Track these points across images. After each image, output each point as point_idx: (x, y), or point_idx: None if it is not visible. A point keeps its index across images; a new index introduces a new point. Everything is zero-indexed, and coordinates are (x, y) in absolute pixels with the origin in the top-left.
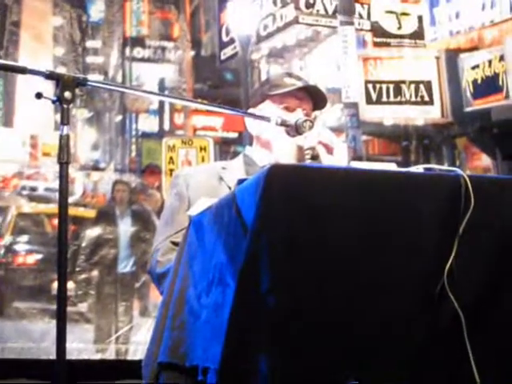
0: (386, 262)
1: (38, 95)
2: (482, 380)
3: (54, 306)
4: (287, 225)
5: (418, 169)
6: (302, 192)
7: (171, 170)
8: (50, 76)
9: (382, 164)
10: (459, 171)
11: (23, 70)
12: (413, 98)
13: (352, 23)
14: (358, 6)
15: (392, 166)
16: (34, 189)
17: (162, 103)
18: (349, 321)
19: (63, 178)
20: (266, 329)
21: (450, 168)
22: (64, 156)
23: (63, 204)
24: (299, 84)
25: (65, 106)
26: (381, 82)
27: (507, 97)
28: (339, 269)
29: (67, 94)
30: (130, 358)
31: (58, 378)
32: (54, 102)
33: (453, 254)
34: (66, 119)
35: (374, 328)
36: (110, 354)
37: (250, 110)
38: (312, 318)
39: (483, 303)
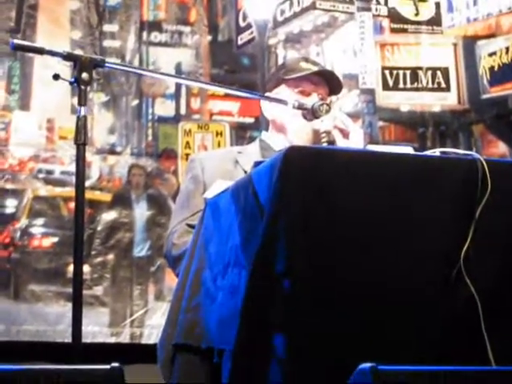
0: (402, 244)
1: (56, 76)
2: (496, 363)
3: (70, 289)
4: (304, 207)
5: (435, 153)
6: (319, 174)
7: (187, 155)
8: (67, 57)
9: (399, 147)
10: (476, 155)
11: (41, 51)
12: (430, 85)
13: (369, 9)
14: None
15: (409, 150)
16: (50, 172)
17: (178, 87)
18: (366, 301)
19: (80, 159)
20: (281, 310)
21: (467, 152)
22: (81, 137)
23: (80, 185)
24: (315, 69)
25: (82, 87)
26: (398, 69)
27: None
28: (356, 251)
29: (84, 76)
30: (144, 341)
31: (73, 361)
32: (71, 83)
33: (469, 238)
34: (83, 100)
35: (390, 309)
36: (124, 338)
37: (266, 95)
38: (328, 299)
39: (499, 287)
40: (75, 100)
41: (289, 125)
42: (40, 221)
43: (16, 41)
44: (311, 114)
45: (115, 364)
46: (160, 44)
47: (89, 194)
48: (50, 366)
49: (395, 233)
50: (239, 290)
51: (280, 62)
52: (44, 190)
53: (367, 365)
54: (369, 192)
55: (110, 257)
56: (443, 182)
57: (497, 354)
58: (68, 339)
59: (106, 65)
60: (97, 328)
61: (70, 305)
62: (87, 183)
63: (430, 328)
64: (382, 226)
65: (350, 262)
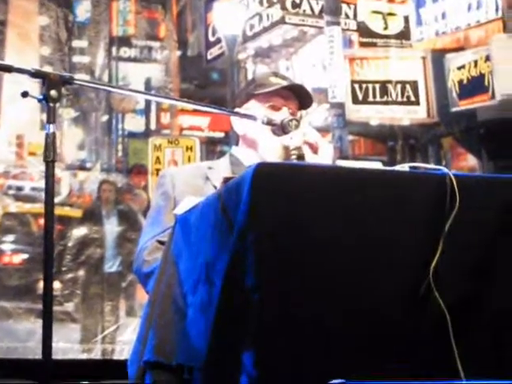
0: (371, 260)
1: (24, 94)
2: (466, 376)
3: (40, 306)
4: (273, 223)
5: (404, 167)
6: (288, 190)
7: (157, 170)
8: (35, 74)
9: (368, 163)
10: (445, 170)
11: (9, 69)
12: (399, 98)
13: (338, 23)
14: (344, 6)
15: (378, 165)
16: (20, 188)
17: (148, 103)
18: (335, 317)
19: (49, 176)
20: (251, 326)
21: (436, 167)
22: (50, 154)
23: (49, 202)
24: (284, 83)
25: (51, 104)
26: (367, 82)
27: (493, 97)
28: (325, 266)
29: (53, 93)
30: (115, 357)
31: (43, 378)
32: (40, 100)
33: (438, 253)
34: (51, 118)
35: (360, 325)
36: (95, 354)
37: (236, 110)
38: (298, 315)
39: (468, 301)
40: (45, 116)
41: (259, 140)
42: (10, 237)
43: None
44: (281, 129)
45: (85, 382)
46: (129, 59)
47: (59, 210)
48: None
49: (364, 248)
50: (209, 307)
51: (249, 76)
52: (14, 207)
53: (337, 381)
54: (338, 207)
55: (81, 273)
56: (413, 197)
57: (466, 368)
58: (38, 356)
59: (75, 82)
60: (68, 344)
61: (40, 321)
62: (57, 199)
63: (399, 342)
64: (351, 242)
65: (319, 277)
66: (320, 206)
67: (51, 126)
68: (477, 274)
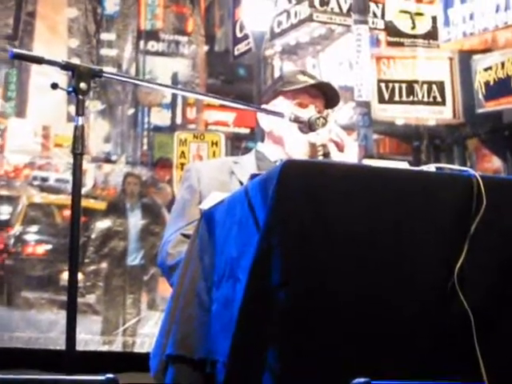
0: (396, 259)
1: (54, 85)
2: (489, 379)
3: (62, 297)
4: (300, 220)
5: (430, 168)
6: (316, 188)
7: (182, 164)
8: (66, 66)
9: (395, 162)
10: (471, 171)
11: (40, 60)
12: (425, 98)
13: (366, 22)
14: (372, 5)
15: (404, 165)
16: (45, 179)
17: (174, 97)
18: (359, 315)
19: (77, 168)
20: (275, 322)
21: (462, 168)
22: (79, 147)
23: (76, 193)
24: (312, 81)
25: (80, 96)
26: (393, 82)
27: None
28: (351, 264)
29: (83, 85)
30: (136, 350)
31: (66, 369)
32: (69, 92)
33: (464, 254)
34: (81, 110)
35: (383, 323)
36: (116, 346)
37: (263, 107)
38: (322, 312)
39: (493, 302)
40: (71, 108)
41: (285, 137)
42: (34, 228)
43: (15, 50)
44: (307, 127)
45: (110, 375)
46: (157, 53)
47: (83, 202)
48: (46, 375)
49: (390, 248)
50: (233, 302)
51: (276, 73)
52: (39, 197)
53: (361, 380)
54: (364, 206)
55: (104, 265)
56: (439, 197)
57: (489, 370)
58: (60, 346)
59: (104, 75)
60: (89, 336)
61: (62, 312)
62: (82, 191)
63: (423, 342)
64: (376, 241)
65: (344, 276)
66: (346, 204)
67: (80, 118)
68: (501, 276)
